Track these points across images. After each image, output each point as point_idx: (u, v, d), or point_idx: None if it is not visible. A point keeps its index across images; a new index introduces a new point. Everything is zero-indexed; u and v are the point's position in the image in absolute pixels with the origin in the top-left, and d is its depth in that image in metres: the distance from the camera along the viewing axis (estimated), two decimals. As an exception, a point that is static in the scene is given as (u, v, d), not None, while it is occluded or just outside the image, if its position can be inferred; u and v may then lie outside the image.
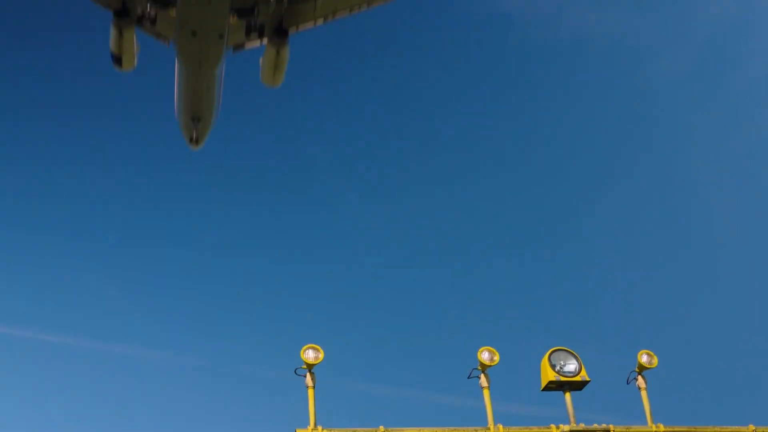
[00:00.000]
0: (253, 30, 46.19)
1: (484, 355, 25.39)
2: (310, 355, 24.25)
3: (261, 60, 48.80)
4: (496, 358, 25.42)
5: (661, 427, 24.94)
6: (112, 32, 45.89)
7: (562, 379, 25.37)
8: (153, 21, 45.80)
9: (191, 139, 52.87)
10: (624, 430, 24.72)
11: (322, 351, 24.29)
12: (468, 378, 25.44)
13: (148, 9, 45.15)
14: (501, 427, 24.44)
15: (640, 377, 26.07)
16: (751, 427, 25.15)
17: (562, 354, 25.87)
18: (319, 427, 23.50)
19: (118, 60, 47.23)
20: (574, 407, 25.20)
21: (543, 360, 25.75)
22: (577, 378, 25.44)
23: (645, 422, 25.18)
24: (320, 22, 47.76)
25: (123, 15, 45.36)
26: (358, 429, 23.78)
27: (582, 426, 24.60)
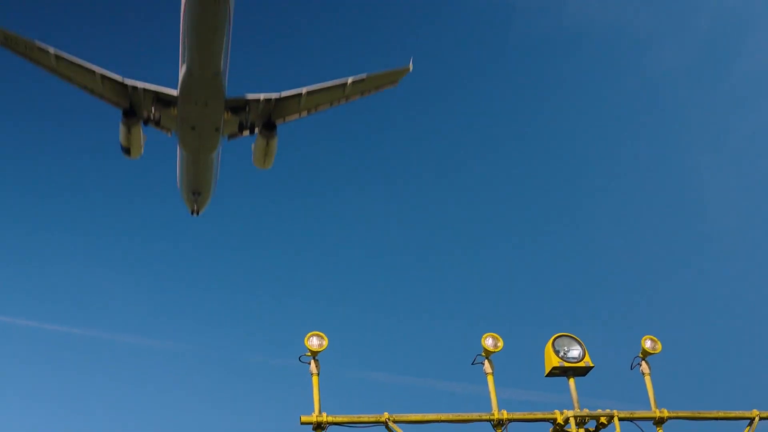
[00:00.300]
0: (245, 128, 53.67)
1: (488, 342, 25.40)
2: (314, 342, 24.28)
3: (253, 146, 55.40)
4: (500, 344, 25.43)
5: (665, 412, 24.93)
6: (122, 129, 52.67)
7: (566, 365, 25.37)
8: (157, 122, 52.62)
9: (192, 210, 60.28)
10: (628, 415, 24.72)
11: (326, 338, 24.33)
12: (472, 364, 25.49)
13: (153, 110, 51.56)
14: (505, 412, 24.47)
15: (643, 363, 26.05)
16: (755, 412, 25.15)
17: (565, 340, 25.87)
18: (324, 414, 23.54)
19: (127, 151, 54.13)
20: (578, 393, 25.22)
21: (547, 346, 25.75)
22: (581, 364, 25.44)
23: (649, 407, 25.18)
24: (305, 114, 54.44)
25: (131, 114, 51.98)
26: (363, 416, 23.84)
27: (586, 411, 24.59)
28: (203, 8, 45.65)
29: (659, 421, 24.88)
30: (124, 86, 51.30)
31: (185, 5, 46.37)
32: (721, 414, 25.27)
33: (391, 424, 23.69)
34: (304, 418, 23.53)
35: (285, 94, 53.25)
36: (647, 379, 25.80)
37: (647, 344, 26.00)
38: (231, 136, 55.67)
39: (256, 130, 54.10)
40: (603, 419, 24.62)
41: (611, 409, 24.61)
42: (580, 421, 24.50)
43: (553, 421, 24.69)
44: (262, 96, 52.98)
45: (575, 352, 25.63)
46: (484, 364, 25.44)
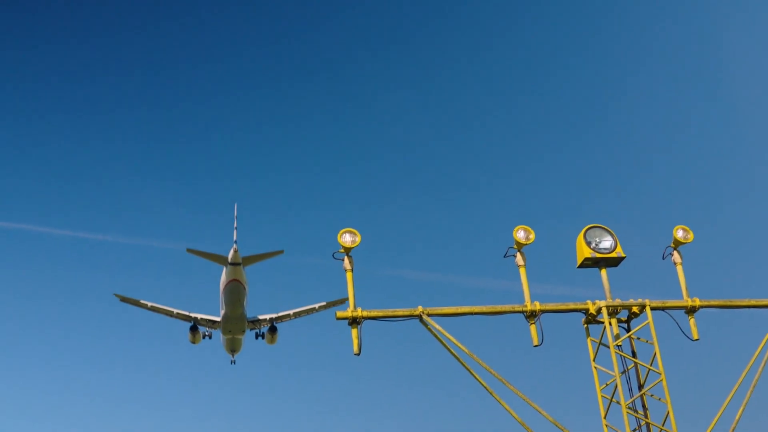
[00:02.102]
0: (258, 336, 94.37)
1: (520, 234, 25.25)
2: (347, 239, 24.17)
3: (264, 334, 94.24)
4: (532, 236, 25.28)
5: (697, 301, 25.02)
6: (189, 334, 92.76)
7: (598, 255, 25.28)
8: (210, 336, 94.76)
9: (231, 360, 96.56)
10: (660, 304, 24.82)
11: (359, 235, 24.20)
12: (504, 257, 25.43)
13: (207, 329, 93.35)
14: (538, 304, 24.58)
15: (675, 252, 25.94)
16: (786, 299, 25.23)
17: (597, 231, 25.69)
18: (359, 309, 23.68)
19: (192, 342, 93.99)
20: (610, 284, 25.26)
21: (578, 237, 25.61)
22: (613, 254, 25.35)
23: (681, 297, 25.26)
24: (294, 317, 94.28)
25: (194, 328, 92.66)
26: (398, 310, 23.99)
27: (618, 301, 24.68)
28: (232, 294, 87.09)
29: (691, 310, 25.02)
30: (191, 316, 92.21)
31: (222, 289, 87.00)
32: (752, 302, 25.38)
33: (425, 317, 23.85)
34: (339, 314, 23.70)
35: (281, 313, 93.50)
36: (679, 268, 25.77)
37: (679, 234, 25.81)
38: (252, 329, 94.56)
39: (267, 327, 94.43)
40: (635, 309, 24.74)
41: (643, 299, 24.68)
42: (612, 311, 24.62)
43: (586, 311, 24.81)
44: (267, 316, 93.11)
45: (607, 242, 25.50)
46: (516, 256, 25.39)
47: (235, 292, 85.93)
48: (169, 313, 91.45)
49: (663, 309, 24.84)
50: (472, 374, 23.70)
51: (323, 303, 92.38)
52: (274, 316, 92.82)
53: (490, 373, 23.51)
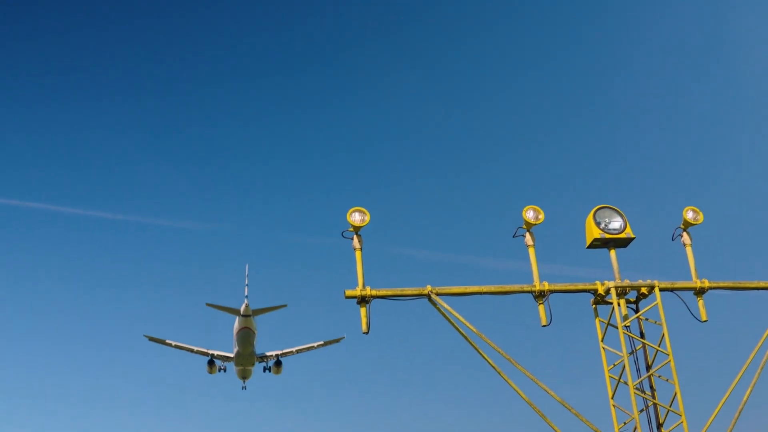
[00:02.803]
0: (266, 369, 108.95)
1: (529, 214, 25.18)
2: (356, 217, 24.14)
3: (271, 368, 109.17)
4: (541, 216, 25.21)
5: (706, 282, 24.98)
6: (207, 366, 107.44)
7: (607, 236, 25.21)
8: (225, 369, 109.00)
9: (243, 386, 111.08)
10: (669, 285, 24.79)
11: (368, 214, 24.16)
12: (513, 237, 25.38)
13: (222, 363, 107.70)
14: (546, 284, 24.56)
15: (685, 234, 25.86)
16: (795, 281, 25.19)
17: (607, 211, 25.61)
18: (368, 288, 23.69)
19: (209, 372, 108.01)
20: (620, 264, 25.22)
21: (588, 218, 25.54)
22: (622, 235, 25.28)
23: (690, 278, 25.22)
24: (297, 353, 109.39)
25: (211, 362, 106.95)
26: (406, 289, 23.99)
27: (627, 282, 24.65)
28: (244, 338, 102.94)
29: (700, 291, 24.99)
30: (208, 353, 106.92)
31: (235, 334, 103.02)
32: (761, 284, 25.35)
33: (434, 296, 23.86)
34: (348, 292, 23.71)
35: (285, 351, 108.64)
36: (688, 250, 25.71)
37: (689, 215, 25.73)
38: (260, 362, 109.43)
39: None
40: (644, 289, 24.72)
41: (652, 280, 24.66)
42: (621, 292, 24.60)
43: (594, 291, 24.80)
44: (273, 353, 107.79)
45: (616, 223, 25.43)
46: (525, 236, 25.34)
47: (246, 336, 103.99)
48: (190, 350, 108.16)
49: (672, 290, 24.82)
50: (481, 353, 23.76)
51: (321, 342, 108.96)
52: (279, 352, 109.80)
53: (498, 352, 23.56)
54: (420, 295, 23.98)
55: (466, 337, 23.68)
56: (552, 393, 23.29)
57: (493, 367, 23.58)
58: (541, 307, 24.49)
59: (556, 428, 23.04)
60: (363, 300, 23.64)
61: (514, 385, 23.47)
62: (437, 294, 23.93)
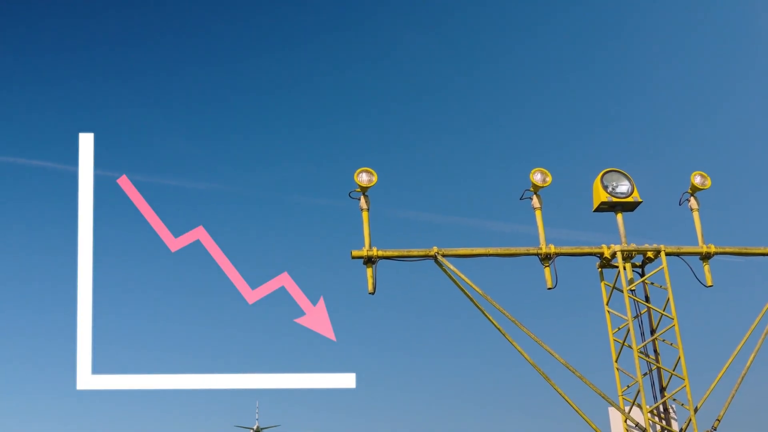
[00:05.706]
0: None
1: (537, 177, 24.98)
2: (363, 178, 23.95)
3: None
4: (549, 179, 25.04)
5: (713, 248, 24.88)
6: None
7: (614, 200, 25.03)
8: None
9: None
10: (675, 250, 24.72)
11: (375, 174, 23.98)
12: (521, 199, 25.23)
13: None
14: (552, 247, 24.47)
15: (692, 198, 25.69)
16: (801, 247, 25.15)
17: (614, 175, 25.41)
18: (374, 248, 23.60)
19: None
20: (626, 228, 25.13)
21: (595, 181, 25.37)
22: (629, 199, 25.11)
23: (696, 243, 25.14)
24: None
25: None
26: (413, 250, 23.92)
27: (633, 246, 24.55)
28: None
29: (706, 257, 24.92)
30: None
31: None
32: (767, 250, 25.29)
33: (440, 257, 23.79)
34: (354, 253, 23.62)
35: None
36: (695, 214, 25.58)
37: (697, 180, 25.56)
38: None
39: None
40: (650, 254, 24.64)
41: (659, 244, 24.61)
42: (627, 256, 24.53)
43: (600, 255, 24.72)
44: None
45: (624, 187, 25.27)
46: (532, 199, 25.22)
47: None
48: None
49: (678, 254, 24.73)
50: (486, 315, 23.77)
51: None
52: None
53: (504, 314, 23.54)
54: (426, 256, 23.91)
55: (471, 299, 23.69)
56: (556, 355, 23.35)
57: (498, 329, 23.59)
58: (546, 270, 24.41)
59: (559, 390, 23.16)
60: (369, 260, 23.55)
61: (518, 347, 23.51)
62: (443, 255, 23.86)
